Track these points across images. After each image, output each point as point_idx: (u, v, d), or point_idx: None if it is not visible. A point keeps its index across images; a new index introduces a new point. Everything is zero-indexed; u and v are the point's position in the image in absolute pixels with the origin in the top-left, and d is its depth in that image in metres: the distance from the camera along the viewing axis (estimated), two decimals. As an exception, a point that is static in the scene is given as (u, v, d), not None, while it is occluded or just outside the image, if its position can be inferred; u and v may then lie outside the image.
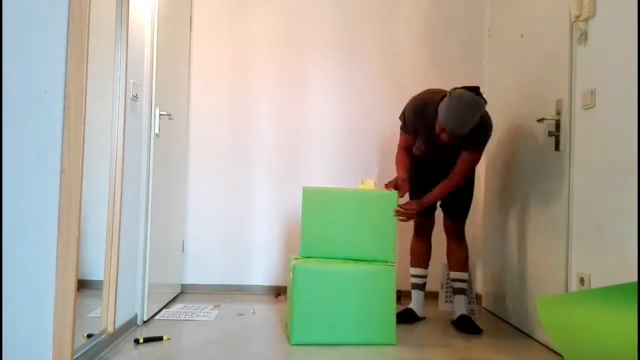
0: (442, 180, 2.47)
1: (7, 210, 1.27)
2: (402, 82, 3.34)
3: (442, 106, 2.21)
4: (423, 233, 2.74)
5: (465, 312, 2.58)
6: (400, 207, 2.44)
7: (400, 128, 2.58)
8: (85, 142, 1.58)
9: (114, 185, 2.07)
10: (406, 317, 2.64)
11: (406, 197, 2.62)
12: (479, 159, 2.47)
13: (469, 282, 2.70)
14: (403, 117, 2.53)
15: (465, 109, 2.14)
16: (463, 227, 2.65)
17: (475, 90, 2.19)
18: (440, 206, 2.67)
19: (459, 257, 2.65)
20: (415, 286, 2.75)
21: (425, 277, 2.76)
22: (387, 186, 2.52)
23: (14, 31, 1.29)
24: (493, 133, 2.44)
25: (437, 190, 2.47)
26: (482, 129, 2.32)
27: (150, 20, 2.48)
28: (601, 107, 1.95)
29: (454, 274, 2.66)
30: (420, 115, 2.41)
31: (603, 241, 1.91)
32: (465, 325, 2.48)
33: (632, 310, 0.91)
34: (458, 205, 2.62)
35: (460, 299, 2.61)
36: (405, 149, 2.60)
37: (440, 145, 2.37)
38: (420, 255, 2.76)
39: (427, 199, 2.48)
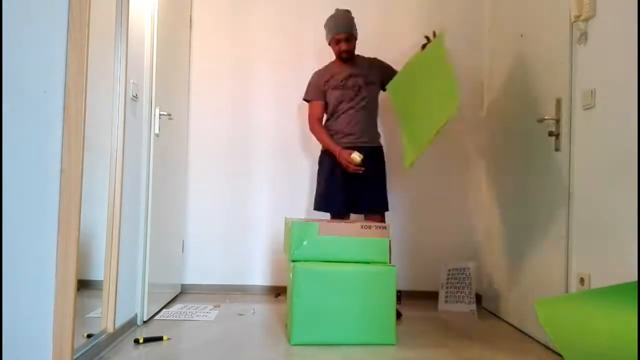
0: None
1: (7, 210, 1.27)
2: (402, 82, 3.34)
3: (327, 23, 2.70)
4: None
5: None
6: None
7: (308, 100, 2.81)
8: (85, 142, 1.58)
9: (114, 185, 2.07)
10: None
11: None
12: None
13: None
14: (308, 89, 2.81)
15: (344, 12, 2.69)
16: (383, 216, 2.74)
17: None
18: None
19: None
20: None
21: None
22: (348, 167, 2.61)
23: (14, 31, 1.29)
24: (492, 133, 2.45)
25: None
26: (387, 63, 2.83)
27: (150, 20, 2.48)
28: (601, 107, 1.95)
29: None
30: (324, 72, 2.78)
31: (603, 241, 1.91)
32: None
33: (632, 310, 0.91)
34: (376, 190, 2.77)
35: None
36: (320, 120, 2.78)
37: (352, 75, 2.69)
38: None
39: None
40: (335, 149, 2.65)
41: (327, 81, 2.74)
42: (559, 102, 2.22)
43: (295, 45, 3.37)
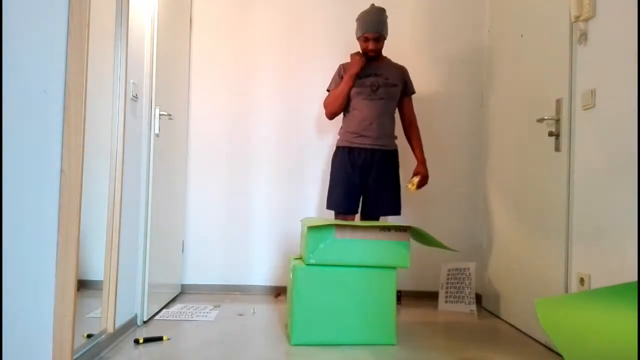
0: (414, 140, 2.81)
1: (7, 211, 1.27)
2: (402, 82, 3.34)
3: (359, 18, 2.65)
4: None
5: None
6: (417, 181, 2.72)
7: (329, 90, 2.77)
8: (85, 142, 1.58)
9: (114, 185, 2.07)
10: None
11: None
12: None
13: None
14: (331, 80, 2.77)
15: (378, 12, 2.62)
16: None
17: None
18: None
19: None
20: None
21: None
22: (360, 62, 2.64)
23: (13, 31, 1.29)
24: (492, 132, 2.44)
25: (419, 143, 2.81)
26: (403, 68, 2.79)
27: (150, 20, 2.48)
28: (601, 107, 1.95)
29: None
30: (347, 65, 2.72)
31: (603, 241, 1.91)
32: None
33: (632, 310, 0.91)
34: (388, 194, 2.75)
35: None
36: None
37: (374, 74, 2.66)
38: None
39: (424, 159, 2.79)
40: (349, 73, 2.64)
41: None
42: (559, 102, 2.22)
43: (296, 44, 3.37)
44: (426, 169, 2.76)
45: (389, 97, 2.67)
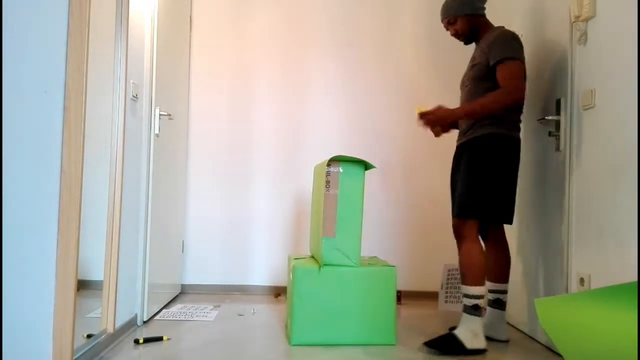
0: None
1: (7, 211, 1.27)
2: (403, 82, 3.35)
3: None
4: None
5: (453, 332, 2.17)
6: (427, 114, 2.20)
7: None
8: (85, 142, 1.58)
9: (114, 185, 2.07)
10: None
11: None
12: (516, 69, 2.09)
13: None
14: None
15: None
16: (462, 225, 2.18)
17: None
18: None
19: (459, 264, 2.20)
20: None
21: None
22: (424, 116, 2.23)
23: (14, 31, 1.29)
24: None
25: (475, 103, 2.13)
26: (497, 35, 2.17)
27: (150, 20, 2.48)
28: (601, 107, 1.95)
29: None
30: None
31: (603, 241, 1.91)
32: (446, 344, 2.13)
33: (632, 310, 0.91)
34: (457, 193, 2.24)
35: (465, 318, 2.14)
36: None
37: (470, 59, 2.30)
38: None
39: (460, 109, 2.16)
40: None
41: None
42: (559, 102, 2.22)
43: (296, 44, 3.37)
44: (447, 111, 2.18)
45: (472, 79, 2.25)
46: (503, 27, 2.28)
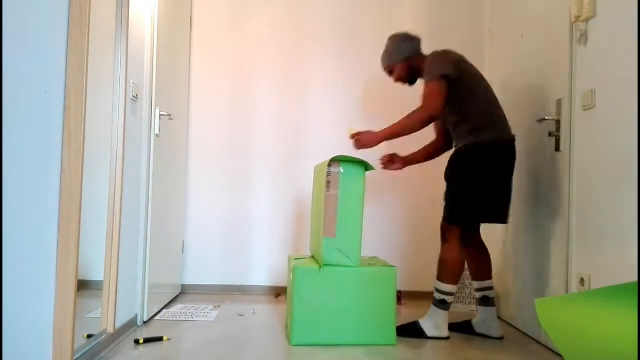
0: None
1: (7, 210, 1.27)
2: (402, 82, 3.34)
3: None
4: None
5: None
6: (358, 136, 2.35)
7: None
8: (85, 142, 1.58)
9: (114, 185, 2.07)
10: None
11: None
12: (432, 88, 2.22)
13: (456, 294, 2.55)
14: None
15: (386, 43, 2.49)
16: (447, 229, 2.33)
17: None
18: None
19: (438, 260, 2.38)
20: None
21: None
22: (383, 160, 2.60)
23: (14, 31, 1.29)
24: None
25: (395, 124, 2.27)
26: (425, 65, 2.35)
27: (150, 20, 2.48)
28: (601, 107, 1.95)
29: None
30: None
31: (603, 241, 1.91)
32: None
33: (632, 310, 0.91)
34: (445, 200, 2.39)
35: (432, 310, 2.35)
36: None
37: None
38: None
39: (383, 131, 2.30)
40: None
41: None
42: (559, 102, 2.22)
43: (296, 44, 3.37)
44: (372, 134, 2.33)
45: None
46: (433, 51, 2.39)
